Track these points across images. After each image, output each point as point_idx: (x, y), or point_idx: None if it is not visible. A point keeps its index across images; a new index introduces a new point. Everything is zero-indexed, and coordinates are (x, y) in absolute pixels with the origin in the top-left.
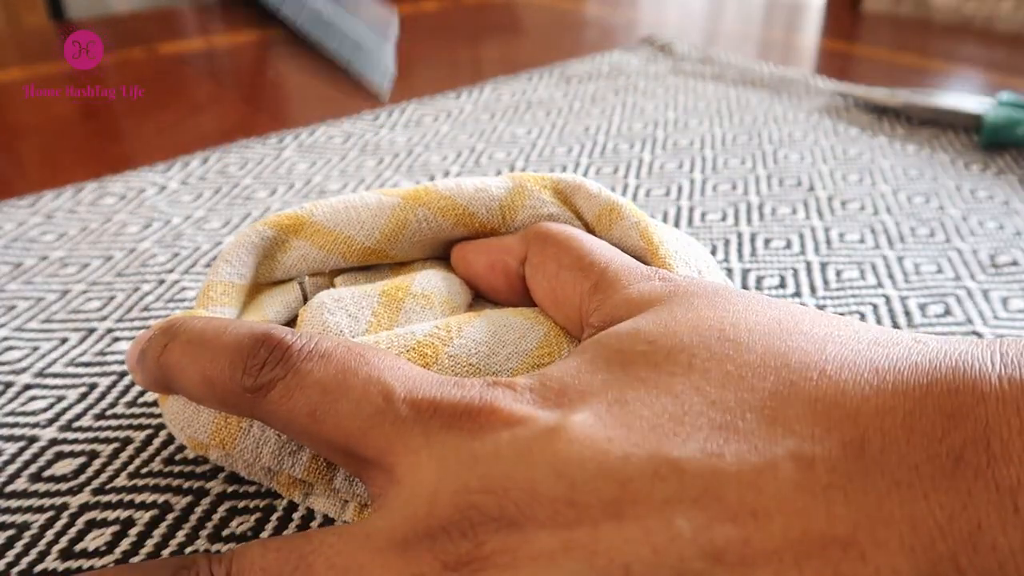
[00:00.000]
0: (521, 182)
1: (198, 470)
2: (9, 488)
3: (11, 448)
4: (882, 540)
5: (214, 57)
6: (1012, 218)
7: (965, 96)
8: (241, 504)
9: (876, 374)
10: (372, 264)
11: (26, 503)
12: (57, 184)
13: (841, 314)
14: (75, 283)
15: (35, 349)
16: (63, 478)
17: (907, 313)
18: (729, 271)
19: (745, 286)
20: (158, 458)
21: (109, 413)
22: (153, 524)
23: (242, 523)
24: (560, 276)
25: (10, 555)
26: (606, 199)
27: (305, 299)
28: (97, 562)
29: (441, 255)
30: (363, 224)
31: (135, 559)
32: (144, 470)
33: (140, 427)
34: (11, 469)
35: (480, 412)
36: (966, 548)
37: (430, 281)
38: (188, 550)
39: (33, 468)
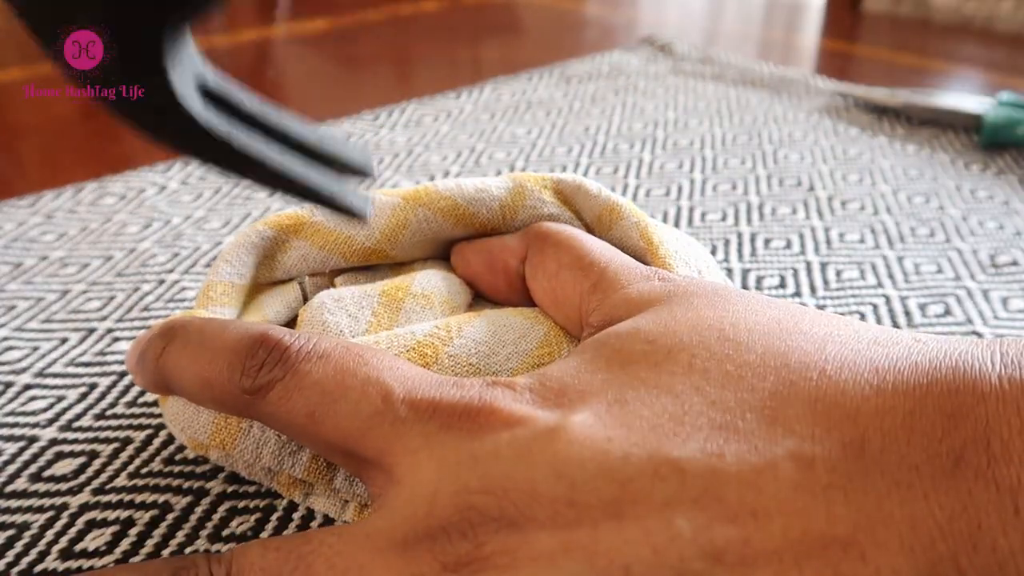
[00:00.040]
0: (521, 182)
1: (198, 470)
2: (9, 488)
3: (11, 448)
4: (882, 540)
5: (214, 57)
6: (1012, 218)
7: (965, 96)
8: (241, 504)
9: (876, 374)
10: (372, 264)
11: (26, 503)
12: (57, 184)
13: (841, 314)
14: (75, 283)
15: (35, 349)
16: (63, 478)
17: (907, 313)
18: (729, 271)
19: (745, 286)
20: (158, 458)
21: (109, 413)
22: (153, 524)
23: (242, 523)
24: (560, 276)
25: (10, 555)
26: (606, 199)
27: (305, 299)
28: (97, 562)
29: (441, 255)
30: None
31: (135, 559)
32: (144, 470)
33: (140, 427)
34: (11, 469)
35: (479, 412)
36: (966, 548)
37: (430, 281)
38: (188, 550)
39: (33, 468)
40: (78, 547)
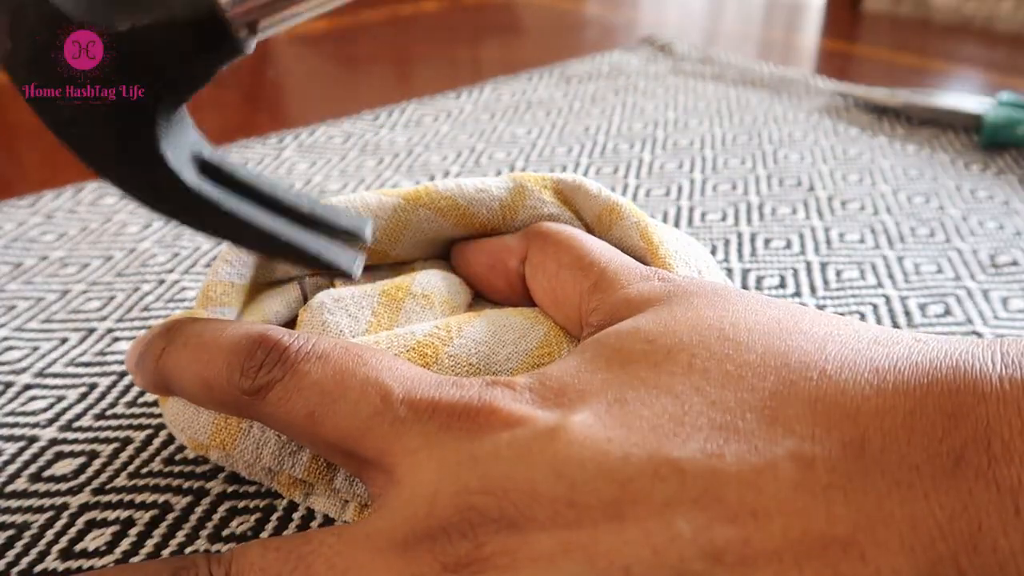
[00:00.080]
0: (521, 182)
1: (198, 470)
2: (9, 488)
3: (11, 448)
4: (882, 540)
5: None
6: (1012, 218)
7: (965, 96)
8: (241, 504)
9: (876, 374)
10: (372, 264)
11: (26, 503)
12: (57, 184)
13: (841, 314)
14: (75, 283)
15: (35, 349)
16: (63, 478)
17: (907, 313)
18: (729, 271)
19: (745, 286)
20: (158, 458)
21: (109, 413)
22: (153, 524)
23: (242, 523)
24: (560, 276)
25: (10, 555)
26: (606, 199)
27: (305, 299)
28: (97, 562)
29: (441, 255)
30: None
31: (135, 559)
32: (144, 470)
33: (140, 427)
34: (11, 469)
35: (479, 412)
36: (967, 549)
37: (430, 281)
38: (188, 550)
39: (33, 468)
40: (78, 547)
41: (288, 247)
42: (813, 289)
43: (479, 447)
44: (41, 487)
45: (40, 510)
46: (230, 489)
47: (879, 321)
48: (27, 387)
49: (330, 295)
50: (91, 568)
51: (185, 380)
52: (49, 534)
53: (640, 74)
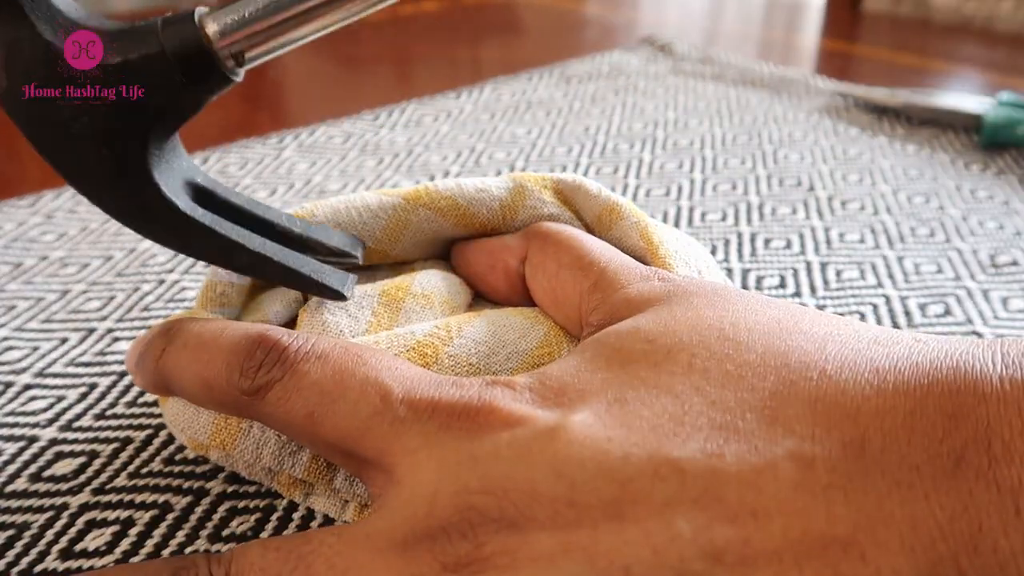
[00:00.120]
0: (521, 182)
1: (198, 470)
2: (9, 488)
3: (11, 448)
4: (882, 540)
5: None
6: (1012, 218)
7: (965, 96)
8: (241, 504)
9: (876, 374)
10: (372, 264)
11: (26, 503)
12: (57, 184)
13: (841, 314)
14: (75, 283)
15: (35, 349)
16: (63, 478)
17: (907, 313)
18: (729, 271)
19: (745, 286)
20: (158, 458)
21: (109, 413)
22: (153, 524)
23: (242, 523)
24: (560, 275)
25: (10, 555)
26: (606, 199)
27: (305, 299)
28: (97, 562)
29: (441, 255)
30: (364, 225)
31: (135, 559)
32: (144, 470)
33: (140, 427)
34: (11, 469)
35: (479, 412)
36: (967, 549)
37: (430, 281)
38: (188, 550)
39: (33, 468)
40: (78, 547)
41: (280, 269)
42: (813, 289)
43: (479, 447)
44: (41, 487)
45: (40, 510)
46: (230, 489)
47: (879, 321)
48: (27, 387)
49: None
50: (91, 568)
51: (185, 380)
52: (49, 534)
53: (640, 74)
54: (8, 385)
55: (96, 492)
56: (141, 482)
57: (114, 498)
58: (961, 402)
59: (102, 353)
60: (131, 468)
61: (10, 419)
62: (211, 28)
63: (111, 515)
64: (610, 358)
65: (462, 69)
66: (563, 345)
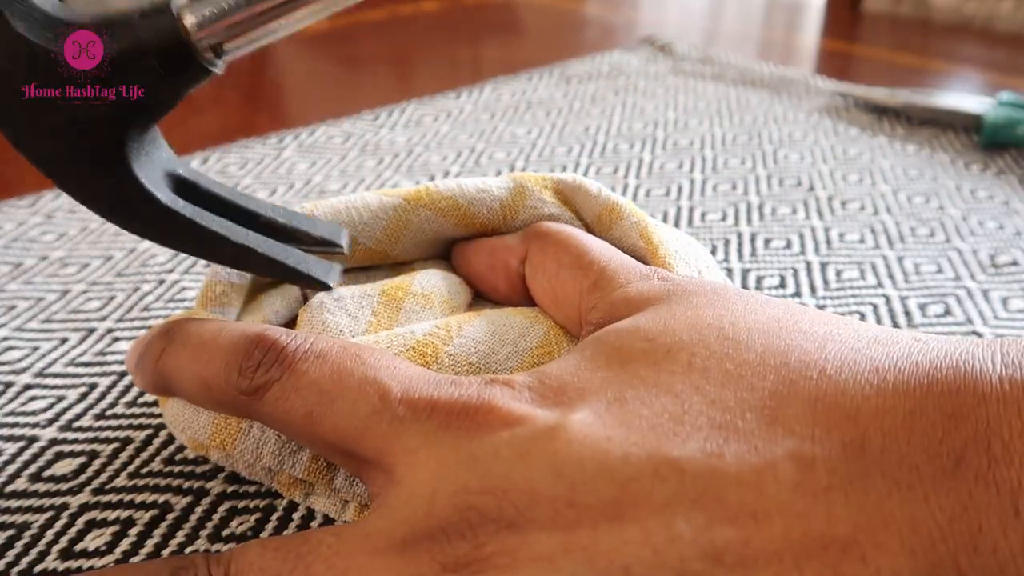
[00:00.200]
0: (522, 182)
1: (198, 470)
2: (9, 488)
3: (11, 448)
4: (882, 541)
5: None
6: (1012, 218)
7: (965, 96)
8: (241, 504)
9: (876, 373)
10: (372, 264)
11: (26, 503)
12: None
13: (841, 314)
14: (75, 283)
15: (35, 349)
16: (63, 478)
17: (907, 313)
18: (729, 271)
19: (745, 286)
20: (158, 458)
21: (109, 413)
22: (153, 524)
23: (242, 523)
24: (560, 275)
25: (10, 555)
26: (606, 199)
27: (305, 299)
28: (97, 562)
29: (441, 255)
30: (365, 225)
31: (135, 559)
32: (144, 470)
33: (140, 427)
34: (11, 469)
35: (478, 411)
36: (967, 550)
37: (430, 281)
38: (188, 550)
39: (33, 468)
40: (78, 547)
41: (264, 261)
42: (813, 289)
43: (478, 446)
44: (41, 487)
45: (40, 510)
46: (230, 489)
47: (879, 321)
48: (27, 387)
49: (330, 295)
50: (91, 568)
51: (184, 381)
52: (49, 534)
53: (640, 74)
54: (8, 385)
55: (96, 492)
56: (141, 482)
57: (114, 498)
58: (961, 402)
59: (102, 353)
60: (131, 468)
61: (10, 419)
62: (189, 20)
63: (111, 515)
64: (610, 357)
65: (462, 69)
66: (563, 344)
